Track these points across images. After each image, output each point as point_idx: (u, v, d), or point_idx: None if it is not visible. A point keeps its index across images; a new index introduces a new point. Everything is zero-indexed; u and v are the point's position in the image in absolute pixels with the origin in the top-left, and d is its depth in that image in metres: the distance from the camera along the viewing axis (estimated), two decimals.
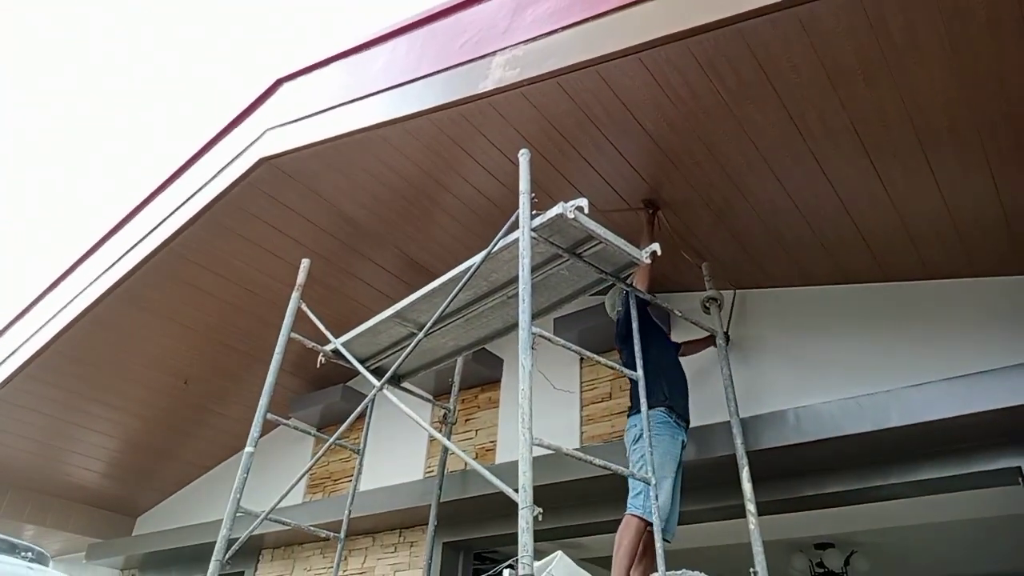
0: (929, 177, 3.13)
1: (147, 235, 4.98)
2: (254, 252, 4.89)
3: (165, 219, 4.91)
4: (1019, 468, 3.29)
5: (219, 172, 4.62)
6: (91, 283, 5.20)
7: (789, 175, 3.38)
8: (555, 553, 2.54)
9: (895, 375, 3.47)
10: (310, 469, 3.76)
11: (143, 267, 4.93)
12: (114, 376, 5.71)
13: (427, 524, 4.59)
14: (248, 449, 3.52)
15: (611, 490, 3.75)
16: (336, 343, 3.87)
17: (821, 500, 3.80)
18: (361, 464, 4.30)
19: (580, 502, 4.34)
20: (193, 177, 4.87)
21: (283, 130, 4.32)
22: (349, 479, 4.64)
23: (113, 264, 5.11)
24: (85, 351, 5.47)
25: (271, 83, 4.67)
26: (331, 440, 3.61)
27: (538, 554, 3.09)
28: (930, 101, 2.78)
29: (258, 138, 4.44)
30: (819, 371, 3.77)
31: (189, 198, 4.79)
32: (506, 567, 2.35)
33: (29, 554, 2.23)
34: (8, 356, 5.62)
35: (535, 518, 2.37)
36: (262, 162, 4.33)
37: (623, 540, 3.12)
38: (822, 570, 6.08)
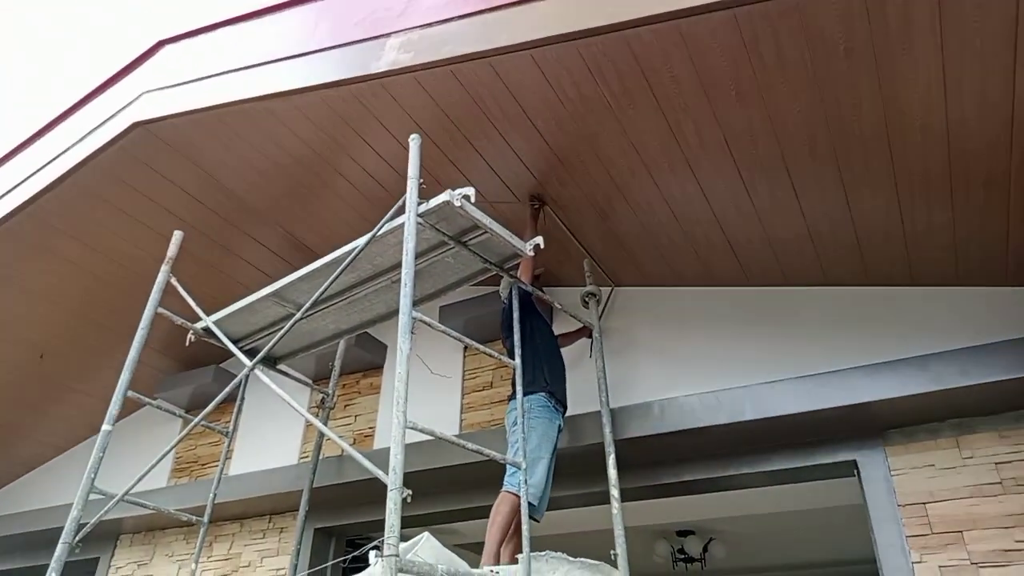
0: (791, 192, 3.37)
1: (2, 195, 4.61)
2: (125, 222, 4.62)
3: (26, 179, 4.56)
4: (855, 461, 3.61)
5: (89, 133, 4.33)
6: None
7: (667, 182, 3.55)
8: (422, 535, 2.58)
9: (752, 372, 3.73)
10: (172, 449, 3.61)
11: None
12: None
13: (298, 510, 4.51)
14: (105, 427, 3.34)
15: (486, 477, 3.83)
16: (208, 321, 3.74)
17: (680, 488, 4.02)
18: (230, 446, 4.17)
19: (456, 488, 4.40)
20: (60, 137, 4.55)
21: (162, 94, 4.11)
22: (218, 463, 4.50)
23: None
24: None
25: (153, 43, 4.42)
26: (196, 420, 3.48)
27: (411, 538, 3.12)
28: (794, 121, 3.00)
29: (134, 100, 4.20)
30: (685, 366, 3.99)
31: (54, 158, 4.47)
32: (371, 548, 2.36)
33: None
34: None
35: (404, 500, 2.39)
36: (137, 126, 4.10)
37: (497, 516, 3.23)
38: (683, 556, 6.43)
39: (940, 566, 3.21)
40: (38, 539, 5.78)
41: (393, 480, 2.41)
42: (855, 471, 3.63)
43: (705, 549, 6.42)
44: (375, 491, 4.25)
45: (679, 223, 3.80)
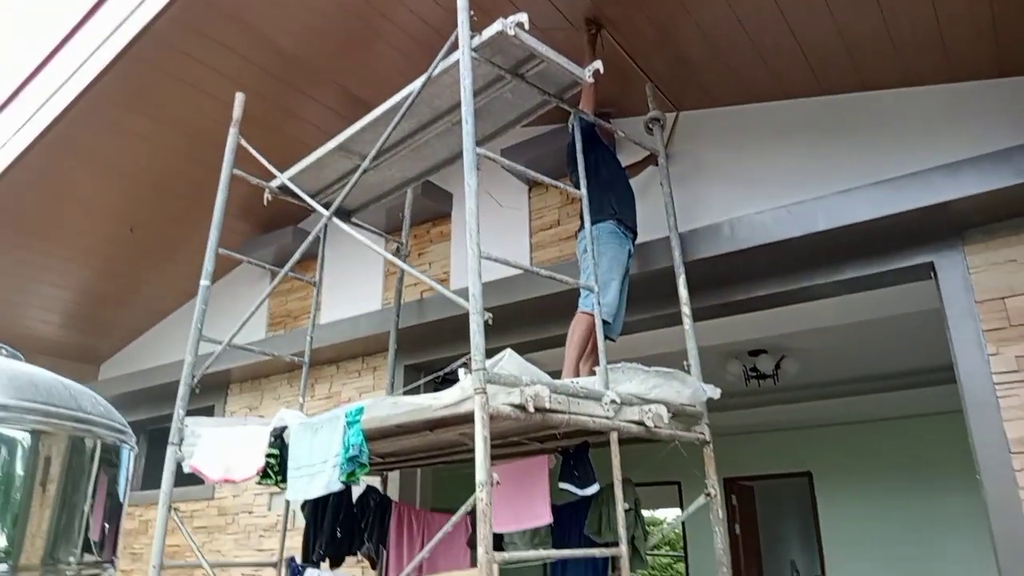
0: None
1: (69, 78, 4.73)
2: (186, 92, 4.70)
3: (86, 60, 4.65)
4: (932, 263, 3.58)
5: (141, 3, 4.33)
6: (15, 132, 4.98)
7: None
8: (504, 351, 2.76)
9: (825, 183, 3.66)
10: (266, 297, 3.87)
11: (69, 112, 4.72)
12: (55, 227, 5.62)
13: (388, 349, 4.85)
14: (204, 283, 3.61)
15: (559, 308, 3.99)
16: (282, 178, 3.87)
17: (753, 303, 4.10)
18: (319, 294, 4.44)
19: (531, 321, 4.60)
20: (112, 13, 4.56)
21: None
22: (308, 316, 4.84)
23: (37, 111, 4.88)
24: (21, 203, 5.33)
25: None
26: (285, 269, 3.70)
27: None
28: None
29: None
30: (754, 185, 3.94)
31: (110, 36, 4.51)
32: (460, 365, 2.55)
33: (4, 350, 2.36)
34: None
35: (485, 323, 2.55)
36: None
37: (574, 335, 3.42)
38: (755, 373, 6.65)
39: (1017, 356, 3.24)
40: (159, 392, 6.40)
41: (474, 305, 2.55)
42: (932, 273, 3.61)
43: (777, 366, 6.59)
44: (455, 328, 4.53)
45: (746, 31, 3.61)
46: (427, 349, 5.12)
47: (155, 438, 6.78)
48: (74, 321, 6.72)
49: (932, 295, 3.67)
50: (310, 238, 3.62)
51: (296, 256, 3.67)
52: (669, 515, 15.70)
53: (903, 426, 8.30)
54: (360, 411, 2.85)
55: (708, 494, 3.32)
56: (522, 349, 4.83)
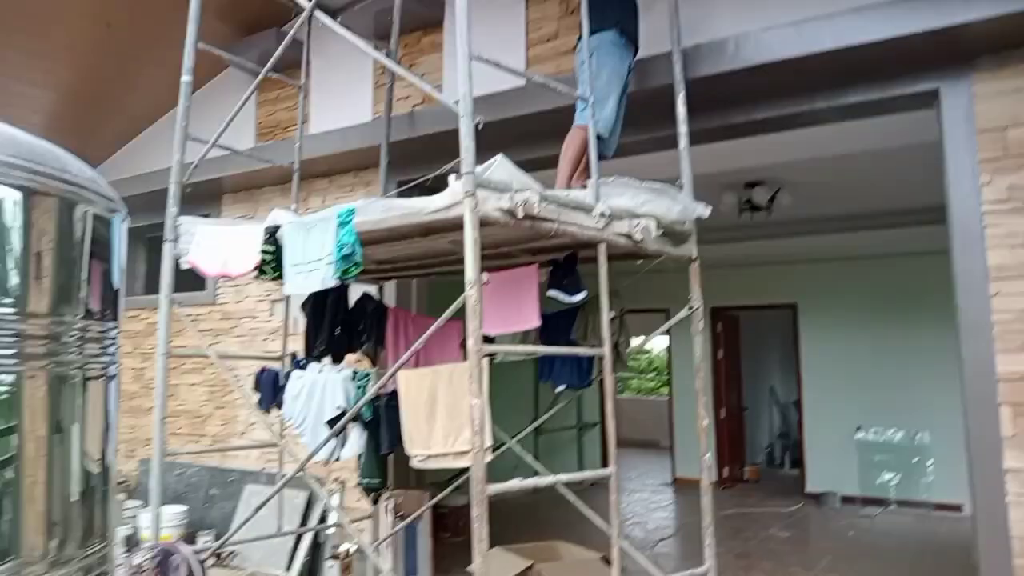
0: None
1: None
2: None
3: None
4: (937, 90, 3.48)
5: None
6: None
7: None
8: (495, 157, 2.74)
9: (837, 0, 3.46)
10: (254, 91, 3.74)
11: None
12: (28, 17, 5.34)
13: (379, 164, 4.81)
14: (185, 78, 3.52)
15: (554, 126, 3.89)
16: None
17: (752, 127, 4.02)
18: (305, 98, 4.32)
19: (526, 140, 4.50)
20: None
21: None
22: (296, 125, 4.75)
23: None
24: None
25: None
26: (266, 68, 3.58)
27: None
28: None
29: None
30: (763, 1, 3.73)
31: None
32: (450, 170, 2.55)
33: None
34: None
35: (476, 127, 2.51)
36: None
37: (568, 148, 3.39)
38: (750, 205, 6.66)
39: (1009, 185, 3.25)
40: (153, 199, 6.36)
41: (463, 108, 2.50)
42: (935, 101, 3.52)
43: (772, 199, 6.59)
44: (448, 143, 4.41)
45: None
46: (419, 166, 5.04)
47: (154, 245, 6.87)
48: (59, 123, 6.54)
49: (932, 128, 3.61)
50: (292, 33, 3.46)
51: (278, 52, 3.53)
52: (658, 343, 16.48)
53: (889, 263, 8.48)
54: (351, 212, 2.88)
55: (691, 307, 3.44)
56: None
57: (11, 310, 1.81)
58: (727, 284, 9.57)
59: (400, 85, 5.04)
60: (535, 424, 4.46)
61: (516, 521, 6.71)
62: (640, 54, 3.75)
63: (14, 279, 1.77)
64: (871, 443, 8.57)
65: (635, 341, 3.80)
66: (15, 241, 1.77)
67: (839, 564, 5.81)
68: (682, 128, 3.55)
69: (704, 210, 3.32)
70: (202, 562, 3.37)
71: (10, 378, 1.84)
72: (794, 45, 3.47)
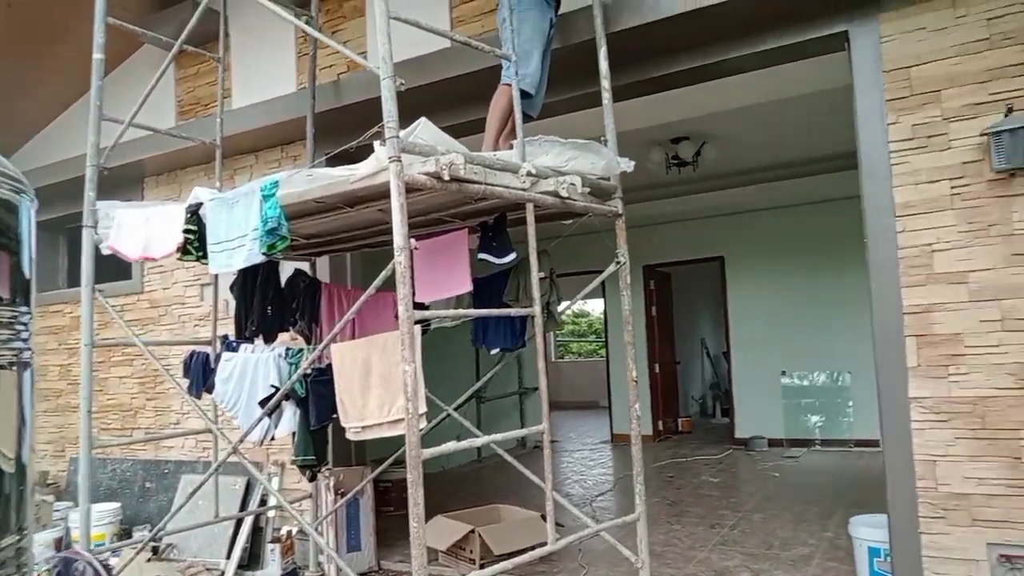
0: None
1: None
2: None
3: None
4: (846, 33, 3.60)
5: None
6: None
7: None
8: (419, 120, 2.72)
9: None
10: (169, 63, 3.61)
11: None
12: None
13: (306, 137, 4.71)
14: (96, 56, 3.37)
15: (479, 89, 3.88)
16: None
17: (674, 79, 4.08)
18: (224, 71, 4.18)
19: (449, 105, 4.48)
20: None
21: None
22: (217, 103, 4.60)
23: None
24: None
25: None
26: (180, 39, 3.46)
27: None
28: None
29: None
30: None
31: None
32: (373, 135, 2.52)
33: None
34: None
35: (400, 101, 2.49)
36: None
37: (495, 108, 3.38)
38: (676, 160, 6.79)
39: (913, 124, 3.40)
40: (71, 188, 6.12)
41: (384, 69, 2.47)
42: (845, 43, 3.64)
43: (698, 153, 6.74)
44: (374, 111, 4.35)
45: None
46: (347, 136, 4.91)
47: (74, 236, 6.60)
48: None
49: (846, 73, 3.73)
50: (205, 3, 3.34)
51: (192, 22, 3.41)
52: (596, 307, 16.75)
53: (810, 211, 8.77)
54: (275, 184, 2.83)
55: (618, 262, 3.51)
56: None
57: None
58: (658, 241, 9.82)
59: (323, 54, 4.93)
60: (472, 390, 4.47)
61: (461, 490, 6.82)
62: (562, 9, 3.76)
63: None
64: (796, 388, 8.96)
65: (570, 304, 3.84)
66: None
67: (765, 504, 6.09)
68: (605, 84, 3.58)
69: (627, 164, 3.38)
70: (106, 565, 3.27)
71: None
72: None
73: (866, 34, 3.52)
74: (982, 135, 3.23)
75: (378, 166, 2.67)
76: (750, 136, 6.52)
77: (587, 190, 3.24)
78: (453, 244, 3.20)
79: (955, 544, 3.28)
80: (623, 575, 4.29)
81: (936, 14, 3.38)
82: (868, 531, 3.87)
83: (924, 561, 3.33)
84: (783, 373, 9.04)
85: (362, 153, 2.93)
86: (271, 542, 4.83)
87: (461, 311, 3.32)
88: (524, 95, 3.24)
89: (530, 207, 3.00)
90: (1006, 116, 3.19)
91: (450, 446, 2.52)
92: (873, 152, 3.50)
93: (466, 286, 3.12)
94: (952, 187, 3.34)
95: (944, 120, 3.35)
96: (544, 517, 3.20)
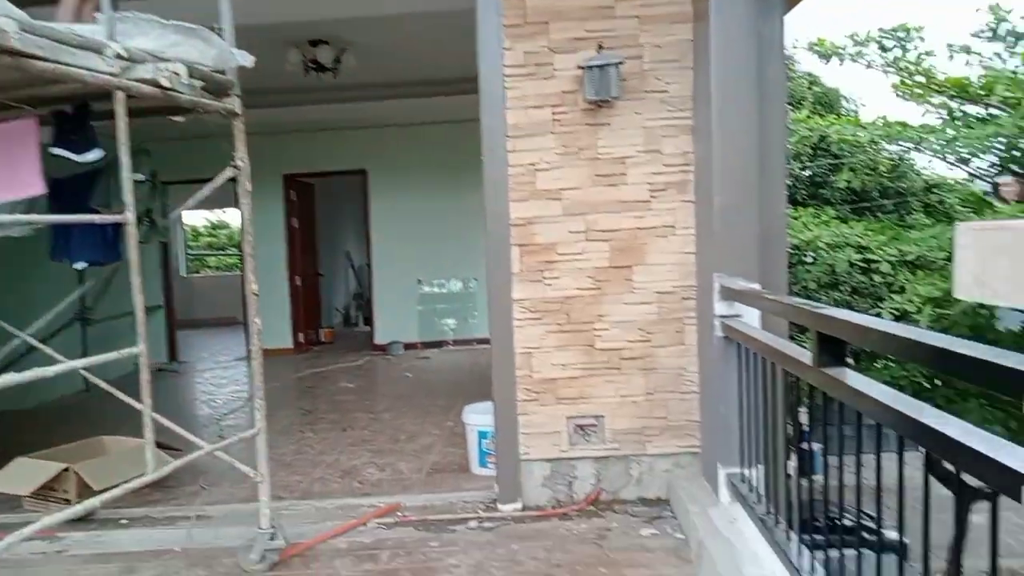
0: None
1: None
2: None
3: None
4: None
5: None
6: None
7: None
8: None
9: None
10: None
11: None
12: None
13: None
14: None
15: None
16: None
17: None
18: None
19: None
20: None
21: None
22: None
23: None
24: None
25: None
26: None
27: None
28: None
29: None
30: None
31: None
32: None
33: None
34: None
35: None
36: None
37: None
38: (315, 65, 6.46)
39: (525, 51, 3.66)
40: None
41: None
42: None
43: (338, 60, 6.49)
44: None
45: None
46: None
47: None
48: None
49: None
50: None
51: None
52: (237, 220, 15.62)
53: (445, 130, 9.17)
54: None
55: (236, 167, 3.21)
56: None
57: None
58: (300, 151, 9.48)
59: None
60: (53, 312, 3.75)
61: (65, 425, 5.92)
62: None
63: None
64: (431, 295, 9.76)
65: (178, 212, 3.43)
66: None
67: (396, 403, 6.49)
68: None
69: (245, 58, 3.07)
70: None
71: None
72: None
73: None
74: (578, 68, 3.61)
75: None
76: (390, 49, 6.49)
77: (199, 83, 2.88)
78: (18, 134, 2.59)
79: (545, 421, 3.84)
80: (246, 491, 4.17)
81: None
82: (477, 417, 4.36)
83: (520, 437, 3.85)
84: (419, 282, 9.60)
85: None
86: None
87: (34, 216, 2.73)
88: None
89: (120, 96, 2.55)
90: (597, 52, 3.59)
91: (7, 378, 2.08)
92: (491, 75, 3.70)
93: (37, 187, 2.57)
94: (553, 114, 3.70)
95: (550, 51, 3.66)
96: (160, 445, 2.91)
